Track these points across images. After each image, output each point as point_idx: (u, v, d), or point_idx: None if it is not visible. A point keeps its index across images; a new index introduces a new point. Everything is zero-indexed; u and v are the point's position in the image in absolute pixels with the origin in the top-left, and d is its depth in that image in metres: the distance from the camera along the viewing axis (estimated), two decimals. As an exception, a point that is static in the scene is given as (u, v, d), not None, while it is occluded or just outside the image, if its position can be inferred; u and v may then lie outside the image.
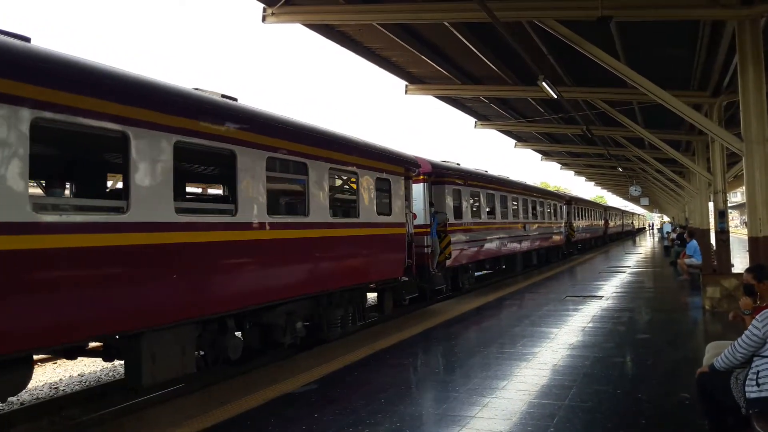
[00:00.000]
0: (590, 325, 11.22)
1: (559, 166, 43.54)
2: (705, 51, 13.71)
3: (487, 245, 19.60)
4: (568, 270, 24.53)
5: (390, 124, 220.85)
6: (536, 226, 26.19)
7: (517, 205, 23.30)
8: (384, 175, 12.15)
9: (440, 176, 16.33)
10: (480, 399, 6.60)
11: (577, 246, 37.95)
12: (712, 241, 18.53)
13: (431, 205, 15.69)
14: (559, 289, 17.26)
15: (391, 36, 13.61)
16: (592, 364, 8.15)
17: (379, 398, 6.71)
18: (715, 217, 16.14)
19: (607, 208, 57.24)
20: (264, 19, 11.97)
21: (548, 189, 31.59)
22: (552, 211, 29.80)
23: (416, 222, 14.60)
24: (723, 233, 15.39)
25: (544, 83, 13.21)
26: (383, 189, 12.30)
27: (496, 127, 26.04)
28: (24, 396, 9.21)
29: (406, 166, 13.28)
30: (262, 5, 11.88)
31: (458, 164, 18.38)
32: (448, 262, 16.10)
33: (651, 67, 15.17)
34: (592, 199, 58.41)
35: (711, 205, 20.02)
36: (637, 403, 6.44)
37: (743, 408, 4.62)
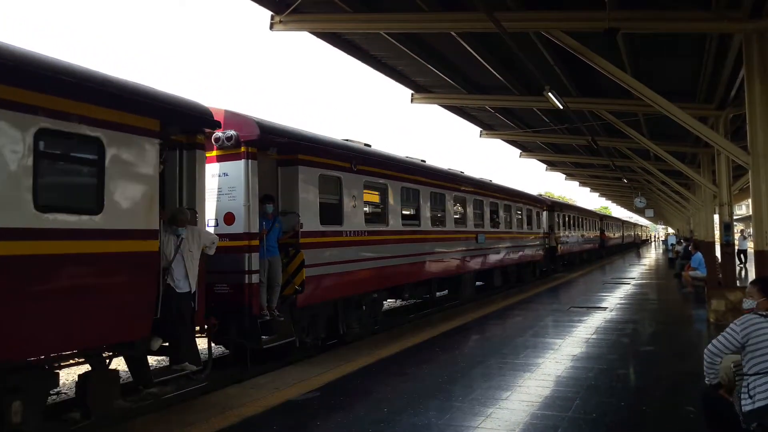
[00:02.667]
0: (594, 336, 11.17)
1: (564, 176, 43.52)
2: (711, 63, 13.70)
3: (402, 264, 13.29)
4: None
5: (396, 133, 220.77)
6: (500, 236, 20.22)
7: (464, 208, 17.39)
8: (75, 128, 6.03)
9: (290, 151, 10.13)
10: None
11: (563, 261, 31.82)
12: (717, 253, 18.45)
13: (267, 200, 9.62)
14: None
15: (398, 45, 13.63)
16: (595, 375, 8.11)
17: None
18: (720, 230, 16.09)
19: (603, 217, 51.08)
20: (272, 26, 11.99)
21: (520, 191, 24.50)
22: (525, 218, 23.77)
23: (232, 229, 9.12)
24: (728, 246, 15.34)
25: (550, 94, 13.21)
26: (74, 157, 6.36)
27: (501, 137, 26.02)
28: None
29: (167, 118, 7.20)
30: (270, 13, 11.92)
31: (367, 145, 13.06)
32: (303, 297, 9.87)
33: (657, 78, 15.17)
34: (598, 209, 57.32)
35: (716, 217, 19.96)
36: (641, 415, 6.41)
37: (742, 422, 4.61)
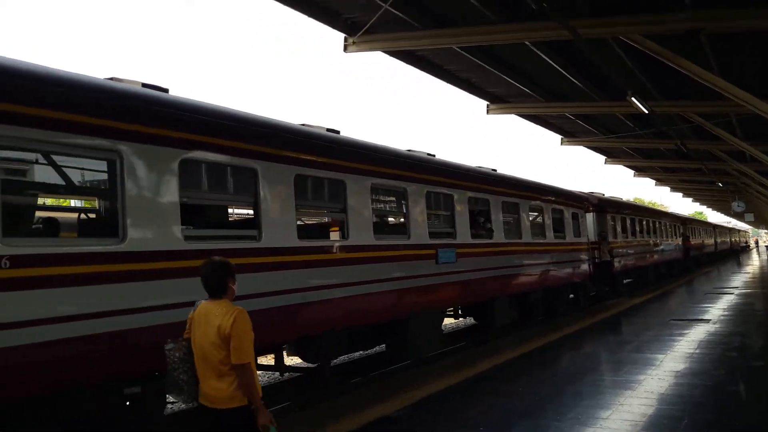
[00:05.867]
0: (698, 351, 10.50)
1: (654, 182, 41.74)
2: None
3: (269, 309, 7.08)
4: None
5: (473, 144, 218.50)
6: (496, 251, 12.84)
7: (401, 207, 10.63)
8: None
9: None
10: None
11: (624, 279, 23.85)
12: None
13: None
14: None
15: (471, 58, 13.58)
16: (702, 393, 7.58)
17: None
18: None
19: (686, 221, 40.13)
20: (345, 48, 12.18)
21: (538, 182, 16.42)
22: (551, 222, 15.84)
23: None
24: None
25: (633, 99, 12.70)
26: None
27: (583, 144, 25.32)
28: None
29: None
30: (342, 35, 12.12)
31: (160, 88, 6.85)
32: None
33: (749, 76, 14.27)
34: (692, 215, 52.92)
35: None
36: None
37: None
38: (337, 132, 9.34)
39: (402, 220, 10.73)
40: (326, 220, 9.99)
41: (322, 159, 8.39)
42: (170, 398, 6.67)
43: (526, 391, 8.24)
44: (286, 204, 7.62)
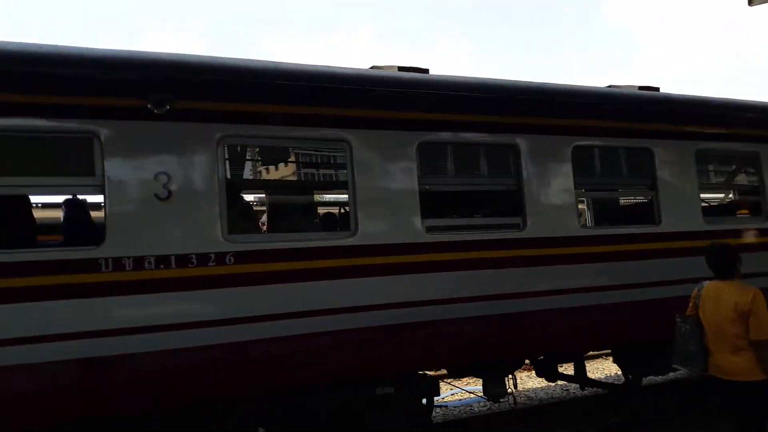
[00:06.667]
0: None
1: None
2: None
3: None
4: None
5: None
6: None
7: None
8: None
9: None
10: None
11: None
12: None
13: None
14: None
15: None
16: None
17: None
18: None
19: None
20: (750, 2, 9.62)
21: None
22: None
23: None
24: None
25: None
26: None
27: None
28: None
29: None
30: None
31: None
32: None
33: None
34: None
35: None
36: None
37: None
38: (656, 89, 7.53)
39: (755, 197, 7.89)
40: (625, 200, 8.73)
41: (605, 123, 6.71)
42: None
43: None
44: (563, 183, 6.29)
